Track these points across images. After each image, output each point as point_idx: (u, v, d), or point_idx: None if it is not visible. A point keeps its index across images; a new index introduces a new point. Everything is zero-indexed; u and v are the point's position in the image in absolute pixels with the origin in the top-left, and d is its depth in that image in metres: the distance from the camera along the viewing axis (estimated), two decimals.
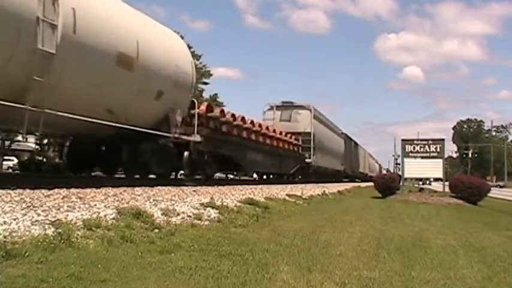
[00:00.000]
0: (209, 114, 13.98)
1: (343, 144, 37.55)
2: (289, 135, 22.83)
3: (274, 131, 20.72)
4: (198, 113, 12.79)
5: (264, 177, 23.35)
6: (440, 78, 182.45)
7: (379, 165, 78.42)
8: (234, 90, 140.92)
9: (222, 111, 15.74)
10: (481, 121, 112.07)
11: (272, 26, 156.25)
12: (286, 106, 26.33)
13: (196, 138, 12.29)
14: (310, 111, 26.16)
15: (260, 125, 18.87)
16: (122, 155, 10.97)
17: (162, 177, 11.93)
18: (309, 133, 25.32)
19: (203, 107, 13.73)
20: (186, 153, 12.58)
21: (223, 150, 14.58)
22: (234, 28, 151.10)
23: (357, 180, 45.85)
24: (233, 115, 15.81)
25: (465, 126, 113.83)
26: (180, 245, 4.46)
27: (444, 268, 4.39)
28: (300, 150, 24.74)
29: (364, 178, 50.14)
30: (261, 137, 18.70)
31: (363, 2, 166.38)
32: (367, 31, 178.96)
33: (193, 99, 12.69)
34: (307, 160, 25.15)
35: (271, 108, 26.57)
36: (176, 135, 11.20)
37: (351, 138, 43.14)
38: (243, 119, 16.79)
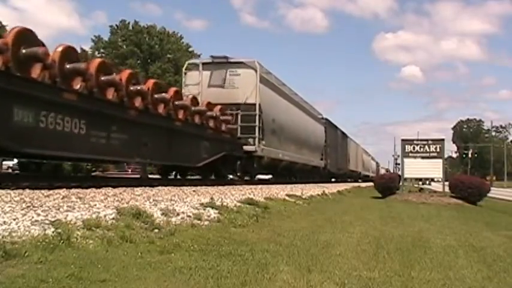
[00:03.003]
0: None
1: (323, 133, 27.95)
2: (204, 103, 13.40)
3: (152, 88, 10.33)
4: None
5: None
6: (439, 77, 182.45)
7: (377, 163, 71.16)
8: None
9: None
10: (481, 121, 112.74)
11: (269, 24, 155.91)
12: (218, 63, 16.27)
13: None
14: (255, 70, 16.07)
15: (99, 67, 8.54)
16: None
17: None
18: (253, 105, 15.69)
19: None
20: None
21: None
22: (231, 27, 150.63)
23: (349, 180, 37.71)
24: None
25: (465, 126, 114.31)
26: (180, 245, 4.46)
27: (444, 268, 4.39)
28: (239, 132, 15.36)
29: (357, 178, 43.30)
30: (108, 90, 8.80)
31: (361, 0, 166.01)
32: (365, 30, 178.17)
33: None
34: (248, 148, 15.40)
35: (196, 66, 16.75)
36: None
37: (336, 127, 33.04)
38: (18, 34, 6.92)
